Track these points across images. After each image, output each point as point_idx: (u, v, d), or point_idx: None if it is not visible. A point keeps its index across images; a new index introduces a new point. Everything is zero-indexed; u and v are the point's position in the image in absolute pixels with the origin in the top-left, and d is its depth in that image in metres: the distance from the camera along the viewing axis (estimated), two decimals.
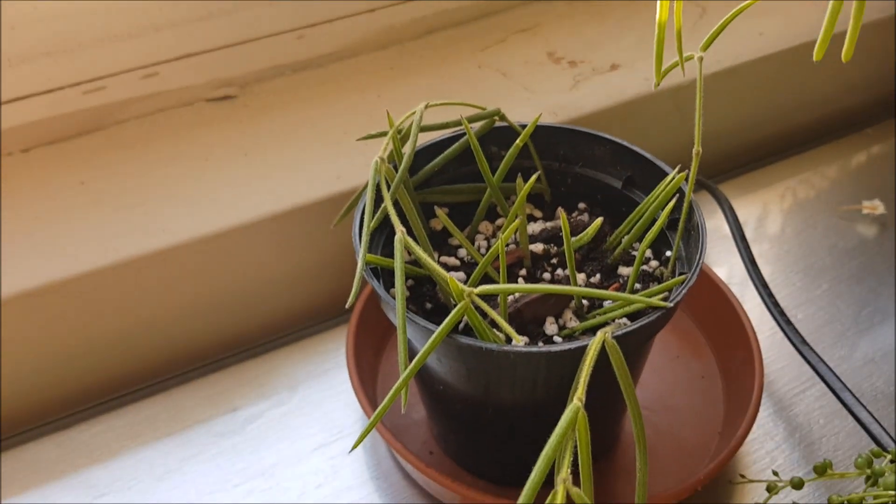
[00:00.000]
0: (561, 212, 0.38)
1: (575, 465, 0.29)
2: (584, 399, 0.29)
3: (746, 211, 0.61)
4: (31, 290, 0.46)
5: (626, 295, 0.35)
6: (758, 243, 0.58)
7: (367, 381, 0.47)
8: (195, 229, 0.50)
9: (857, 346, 0.51)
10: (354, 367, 0.46)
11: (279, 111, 0.57)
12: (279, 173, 0.53)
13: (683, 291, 0.35)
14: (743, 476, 0.43)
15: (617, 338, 0.33)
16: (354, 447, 0.32)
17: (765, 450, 0.46)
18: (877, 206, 0.59)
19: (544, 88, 0.59)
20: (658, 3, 0.35)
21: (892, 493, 0.36)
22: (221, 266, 0.51)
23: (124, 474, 0.46)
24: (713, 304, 0.49)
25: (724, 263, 0.57)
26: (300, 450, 0.47)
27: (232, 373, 0.51)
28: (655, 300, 0.35)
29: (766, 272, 0.55)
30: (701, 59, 0.39)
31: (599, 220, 0.39)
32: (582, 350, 0.33)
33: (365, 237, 0.37)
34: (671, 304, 0.35)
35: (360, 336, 0.48)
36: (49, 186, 0.52)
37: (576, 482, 0.28)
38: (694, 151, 0.38)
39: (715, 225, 0.58)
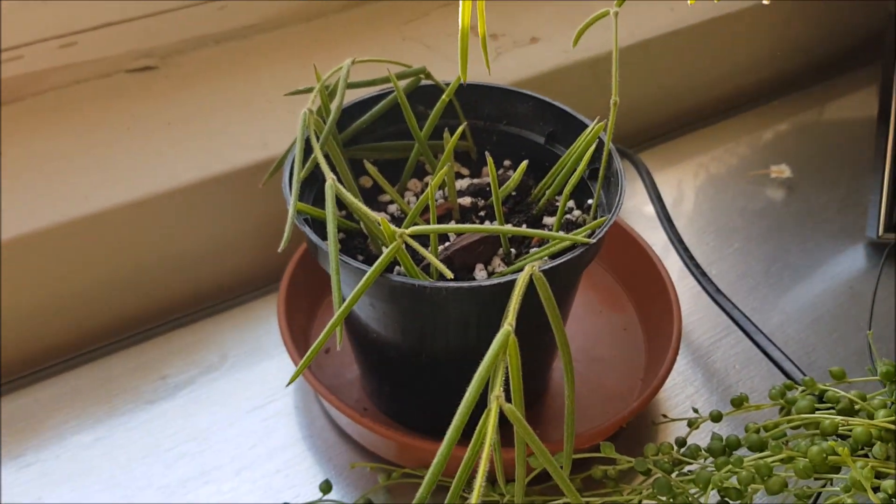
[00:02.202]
0: (487, 156, 0.39)
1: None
2: (514, 325, 0.30)
3: (663, 179, 0.63)
4: None
5: (552, 233, 0.37)
6: (673, 208, 0.60)
7: (300, 342, 0.47)
8: (118, 197, 0.49)
9: (767, 299, 0.53)
10: (286, 327, 0.46)
11: (202, 82, 0.57)
12: (203, 142, 0.53)
13: (605, 228, 0.37)
14: (665, 416, 0.45)
15: (544, 271, 0.34)
16: (291, 381, 0.33)
17: (685, 394, 0.48)
18: (783, 171, 0.62)
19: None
20: None
21: (806, 415, 0.38)
22: (146, 234, 0.51)
23: (51, 444, 0.45)
24: (633, 259, 0.51)
25: (642, 227, 0.59)
26: (232, 413, 0.47)
27: (160, 342, 0.51)
28: (580, 237, 0.36)
29: (681, 233, 0.57)
30: (616, 13, 0.41)
31: (525, 163, 0.40)
32: (511, 284, 0.34)
33: (295, 185, 0.37)
34: (594, 241, 0.36)
35: (290, 300, 0.48)
36: None
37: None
38: (611, 101, 0.40)
39: (633, 192, 0.60)
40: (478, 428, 0.28)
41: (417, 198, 0.45)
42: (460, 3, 0.37)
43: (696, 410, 0.43)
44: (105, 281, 0.50)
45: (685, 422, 0.42)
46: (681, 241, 0.52)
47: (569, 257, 0.35)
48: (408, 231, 0.34)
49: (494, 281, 0.34)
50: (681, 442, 0.40)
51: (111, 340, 0.51)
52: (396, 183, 0.46)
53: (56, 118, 0.53)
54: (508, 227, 0.41)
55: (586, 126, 0.43)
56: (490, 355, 0.30)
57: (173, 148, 0.52)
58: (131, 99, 0.55)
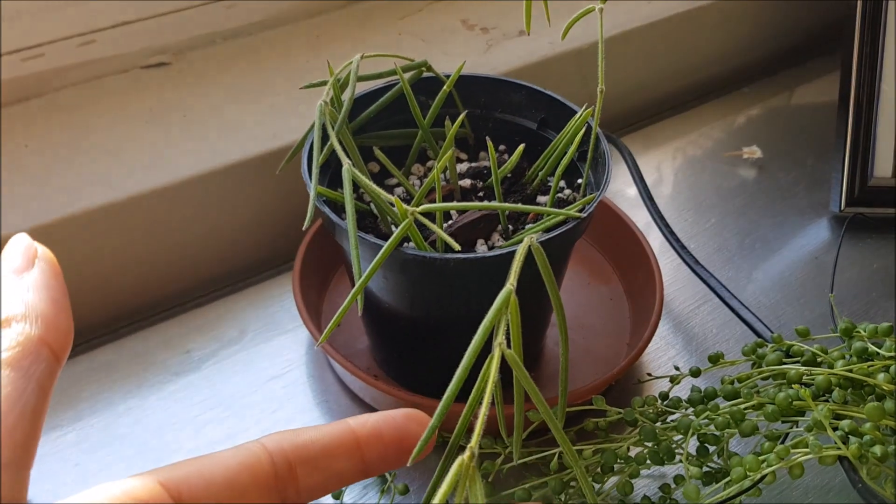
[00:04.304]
0: (487, 140, 0.43)
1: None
2: (515, 285, 0.35)
3: (644, 160, 0.68)
4: None
5: (546, 209, 0.41)
6: (654, 188, 0.65)
7: (313, 316, 0.51)
8: (140, 185, 0.53)
9: (741, 268, 0.58)
10: (302, 301, 0.50)
11: (213, 77, 0.61)
12: (217, 133, 0.57)
13: (594, 204, 0.41)
14: (650, 374, 0.50)
15: (541, 242, 0.38)
16: (322, 340, 0.37)
17: (667, 356, 0.52)
18: (755, 151, 0.67)
19: (460, 52, 0.65)
20: None
21: (775, 367, 0.43)
22: (167, 220, 0.54)
23: (86, 414, 0.49)
24: (618, 235, 0.56)
25: (627, 206, 0.63)
26: (254, 381, 0.51)
27: (183, 320, 0.55)
28: (571, 212, 0.40)
29: (662, 211, 0.62)
30: (601, 9, 0.45)
31: (522, 146, 0.44)
32: (511, 255, 0.38)
33: (315, 170, 0.41)
34: (584, 215, 0.40)
35: (304, 277, 0.52)
36: None
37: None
38: (598, 90, 0.44)
39: (617, 175, 0.65)
40: (482, 372, 0.32)
41: (421, 181, 0.49)
42: None
43: (677, 368, 0.48)
44: (132, 263, 0.54)
45: (668, 379, 0.46)
46: (662, 218, 0.57)
47: (562, 230, 0.40)
48: (418, 209, 0.39)
49: (496, 252, 0.39)
50: (664, 395, 0.45)
51: (138, 318, 0.54)
52: (401, 168, 0.50)
53: (77, 112, 0.57)
54: (507, 204, 0.45)
55: (575, 112, 0.47)
56: (494, 309, 0.34)
57: (189, 139, 0.56)
58: (147, 93, 0.59)
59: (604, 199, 0.57)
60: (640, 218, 0.61)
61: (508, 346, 0.33)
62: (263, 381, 0.51)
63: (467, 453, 0.25)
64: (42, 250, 0.27)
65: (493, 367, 0.31)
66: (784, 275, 0.57)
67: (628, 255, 0.55)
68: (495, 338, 0.33)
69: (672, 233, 0.56)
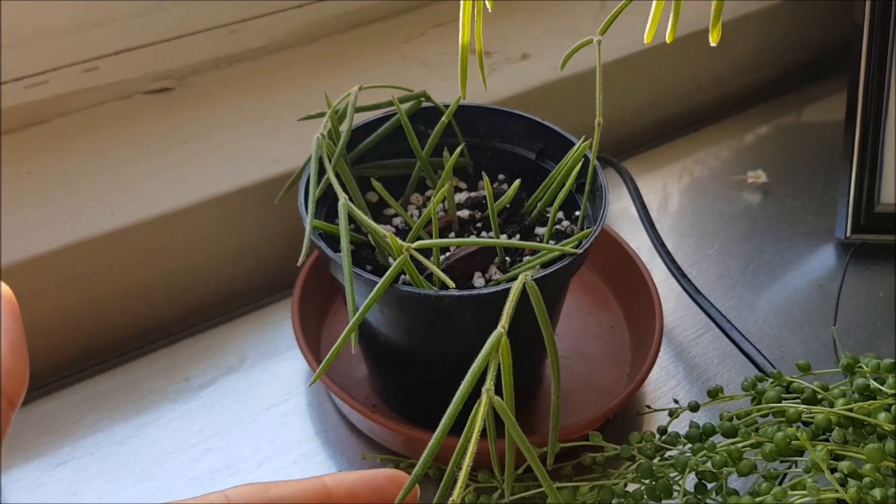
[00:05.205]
0: (484, 175, 0.43)
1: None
2: (506, 327, 0.35)
3: (648, 183, 0.67)
4: None
5: (542, 244, 0.41)
6: (657, 212, 0.64)
7: (312, 345, 0.51)
8: (142, 212, 0.53)
9: (744, 297, 0.58)
10: (300, 331, 0.50)
11: (216, 102, 0.61)
12: (219, 158, 0.57)
13: (591, 240, 0.41)
14: (649, 407, 0.49)
15: (536, 280, 0.38)
16: (313, 383, 0.37)
17: (667, 387, 0.52)
18: (759, 176, 0.66)
19: None
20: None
21: (774, 404, 0.42)
22: (168, 246, 0.55)
23: (85, 442, 0.49)
24: (619, 263, 0.55)
25: (628, 231, 0.63)
26: (252, 410, 0.51)
27: (183, 346, 0.55)
28: (567, 248, 0.40)
29: (664, 237, 0.61)
30: (599, 41, 0.45)
31: (517, 181, 0.44)
32: (506, 292, 0.38)
33: (311, 204, 0.41)
34: (580, 251, 0.40)
35: (303, 305, 0.52)
36: None
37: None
38: (596, 122, 0.44)
39: (619, 198, 0.64)
40: (469, 418, 0.32)
41: (420, 210, 0.49)
42: (460, 23, 0.41)
43: (676, 401, 0.47)
44: (130, 290, 0.54)
45: (667, 412, 0.46)
46: (663, 245, 0.56)
47: (558, 267, 0.39)
48: (413, 245, 0.38)
49: (491, 289, 0.38)
50: (662, 430, 0.44)
51: (138, 346, 0.55)
52: (400, 197, 0.50)
53: (80, 138, 0.57)
54: (504, 239, 0.45)
55: (573, 143, 0.47)
56: (483, 353, 0.34)
57: (191, 165, 0.56)
58: (150, 119, 0.59)
59: (605, 226, 0.56)
60: (642, 243, 0.60)
61: (500, 389, 0.33)
62: (262, 410, 0.51)
63: None
64: (3, 290, 0.25)
65: (480, 415, 0.30)
66: (788, 303, 0.57)
67: (629, 283, 0.55)
68: (484, 383, 0.32)
69: (673, 261, 0.55)
